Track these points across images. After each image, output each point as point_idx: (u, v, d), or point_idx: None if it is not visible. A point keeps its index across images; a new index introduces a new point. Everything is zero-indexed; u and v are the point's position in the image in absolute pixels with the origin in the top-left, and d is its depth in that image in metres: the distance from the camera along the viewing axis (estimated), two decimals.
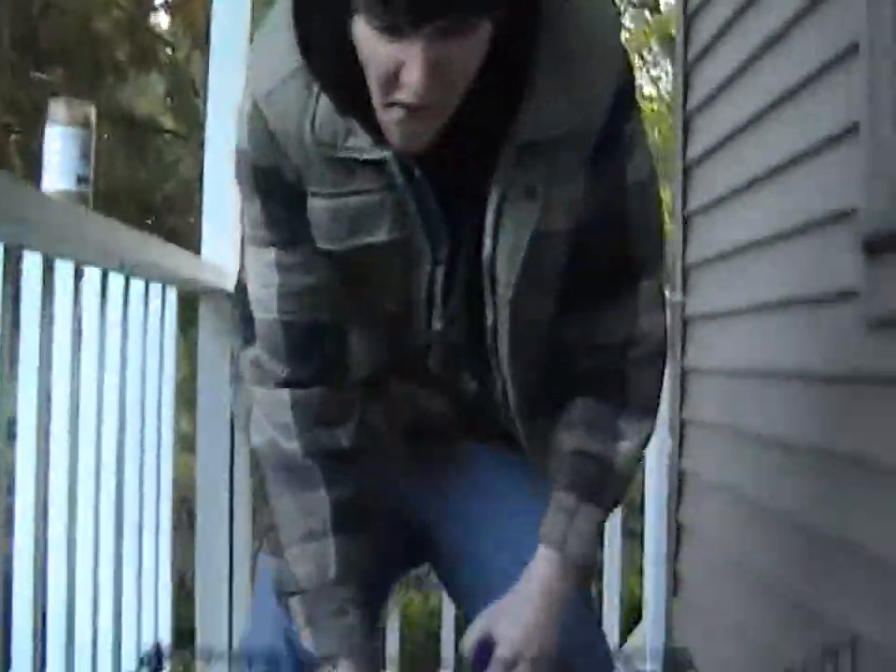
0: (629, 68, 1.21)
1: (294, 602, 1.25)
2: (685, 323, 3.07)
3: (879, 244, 1.67)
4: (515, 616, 1.22)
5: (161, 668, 1.43)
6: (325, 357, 1.24)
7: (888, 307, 1.66)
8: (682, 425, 3.05)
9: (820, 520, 1.91)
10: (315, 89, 1.13)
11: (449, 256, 1.20)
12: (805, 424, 2.03)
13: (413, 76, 1.02)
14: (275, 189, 1.18)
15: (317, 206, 1.18)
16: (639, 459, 1.31)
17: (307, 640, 1.24)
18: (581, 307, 1.25)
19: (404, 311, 1.24)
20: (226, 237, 2.18)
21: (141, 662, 1.41)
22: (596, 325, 1.26)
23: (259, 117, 1.16)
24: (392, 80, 1.04)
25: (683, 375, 3.04)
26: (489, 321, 1.23)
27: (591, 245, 1.22)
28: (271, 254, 1.21)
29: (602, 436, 1.25)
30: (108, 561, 1.75)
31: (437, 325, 1.24)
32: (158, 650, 1.48)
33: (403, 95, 1.04)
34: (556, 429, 1.28)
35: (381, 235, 1.17)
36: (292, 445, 1.24)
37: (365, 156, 1.14)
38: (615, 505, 1.30)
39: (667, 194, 2.92)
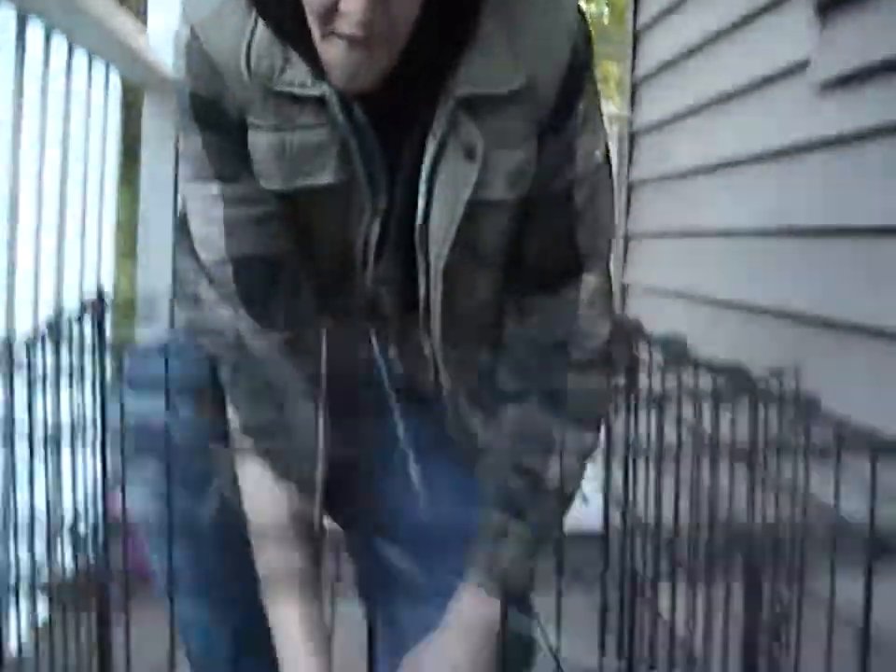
0: (586, 39, 1.11)
1: None
2: (632, 137, 3.07)
3: (831, 4, 1.67)
4: (440, 661, 1.13)
5: (105, 314, 1.38)
6: (278, 297, 1.15)
7: (838, 69, 1.66)
8: (627, 238, 3.08)
9: None
10: (253, 15, 1.06)
11: (385, 212, 1.13)
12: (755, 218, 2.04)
13: (353, 4, 0.96)
14: (217, 121, 1.10)
15: (260, 141, 1.10)
16: (578, 477, 1.19)
17: None
18: (517, 295, 1.17)
19: (341, 264, 1.17)
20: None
21: (83, 307, 1.34)
22: (533, 318, 1.17)
23: (196, 44, 1.08)
24: (332, 9, 0.97)
25: (630, 188, 3.06)
26: (421, 291, 1.15)
27: (533, 226, 1.14)
28: (214, 188, 1.12)
29: (534, 448, 1.15)
30: (52, 203, 1.76)
31: (368, 285, 1.16)
32: (100, 294, 1.41)
33: (344, 26, 0.97)
34: (485, 438, 1.20)
35: (324, 177, 1.10)
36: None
37: (304, 91, 1.07)
38: (549, 528, 1.19)
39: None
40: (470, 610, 1.13)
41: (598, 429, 1.20)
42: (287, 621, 1.13)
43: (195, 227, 1.16)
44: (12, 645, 1.44)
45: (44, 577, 1.19)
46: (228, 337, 1.14)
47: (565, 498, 1.18)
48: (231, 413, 1.17)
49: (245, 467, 1.15)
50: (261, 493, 1.15)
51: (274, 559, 1.13)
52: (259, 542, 1.14)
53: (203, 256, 1.16)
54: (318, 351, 1.15)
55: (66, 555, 1.21)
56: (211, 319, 1.16)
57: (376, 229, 1.13)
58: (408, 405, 1.24)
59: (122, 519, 1.17)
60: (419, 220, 1.11)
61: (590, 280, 1.17)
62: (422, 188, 1.10)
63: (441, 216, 1.10)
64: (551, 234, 1.15)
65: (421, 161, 1.09)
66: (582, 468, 1.19)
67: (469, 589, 1.14)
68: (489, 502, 1.16)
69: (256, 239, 1.13)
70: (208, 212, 1.14)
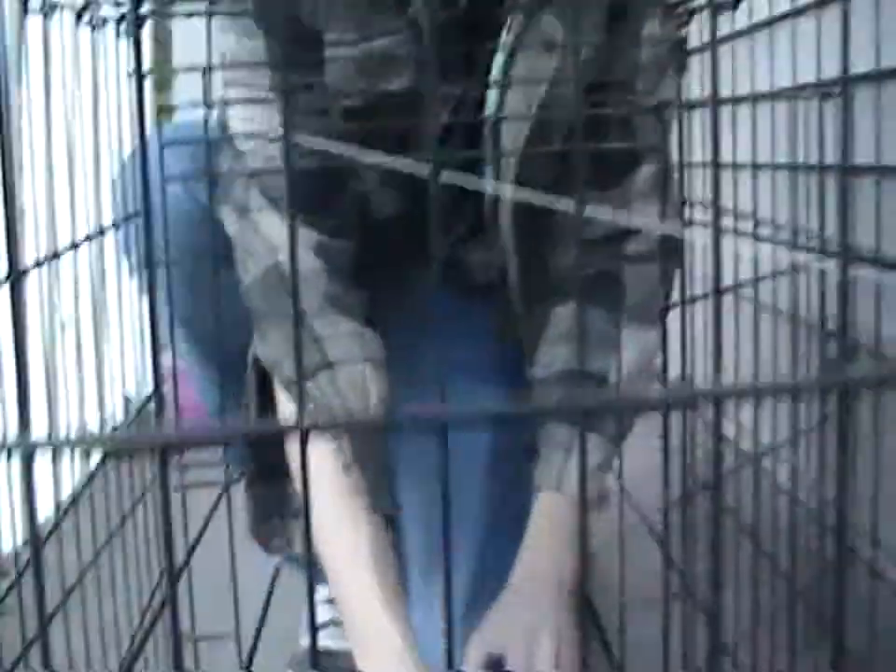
0: None
1: None
2: None
3: None
4: (519, 618, 1.03)
5: None
6: (336, 208, 1.09)
7: None
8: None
9: None
10: None
11: (456, 108, 1.09)
12: None
13: None
14: (288, 30, 1.05)
15: (338, 56, 1.04)
16: (647, 375, 1.12)
17: None
18: (575, 186, 1.13)
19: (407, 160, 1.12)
20: None
21: None
22: (588, 212, 1.09)
23: None
24: None
25: None
26: (490, 189, 1.11)
27: (595, 115, 1.09)
28: (270, 97, 1.05)
29: (595, 349, 1.10)
30: None
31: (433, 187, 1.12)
32: None
33: None
34: (542, 347, 1.14)
35: (400, 82, 1.06)
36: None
37: None
38: (621, 432, 1.11)
39: None
40: (549, 518, 1.09)
41: (659, 324, 1.13)
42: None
43: (242, 133, 1.09)
44: (64, 494, 1.49)
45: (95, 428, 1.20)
46: (274, 246, 1.06)
47: (634, 402, 1.12)
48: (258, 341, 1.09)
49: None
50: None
51: None
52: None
53: (253, 164, 1.09)
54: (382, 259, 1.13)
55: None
56: (260, 228, 1.09)
57: (447, 120, 1.10)
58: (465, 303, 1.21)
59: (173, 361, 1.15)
60: (491, 113, 1.08)
61: (649, 170, 1.13)
62: (496, 82, 1.07)
63: (517, 106, 1.08)
64: (612, 123, 1.12)
65: (496, 57, 1.07)
66: (648, 371, 1.13)
67: (544, 499, 1.09)
68: (552, 417, 1.09)
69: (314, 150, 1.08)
70: (260, 121, 1.08)
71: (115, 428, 1.62)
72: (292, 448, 1.05)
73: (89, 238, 1.07)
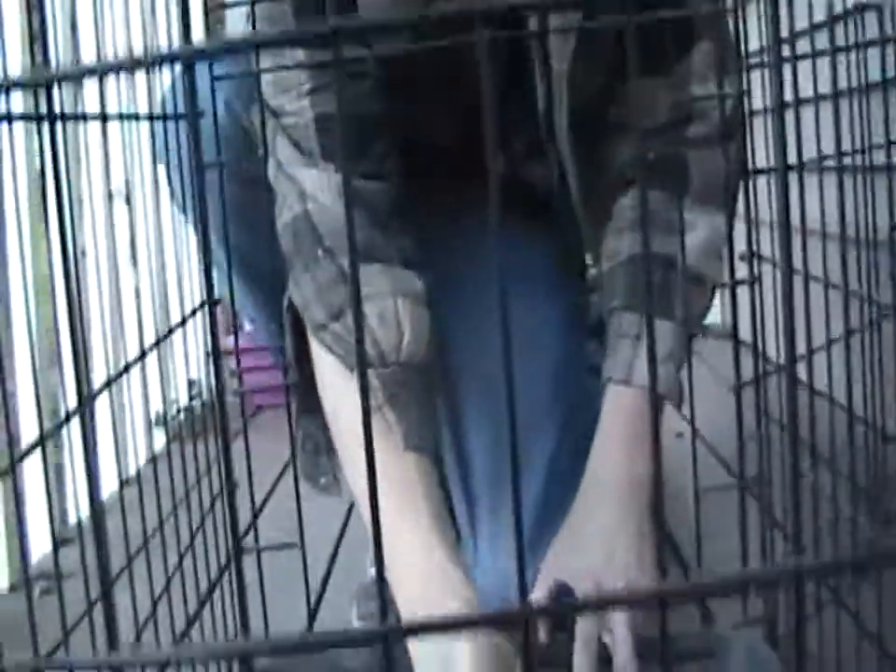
0: None
1: None
2: None
3: None
4: (588, 547, 0.97)
5: None
6: (380, 149, 1.04)
7: None
8: None
9: None
10: None
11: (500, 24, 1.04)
12: None
13: None
14: None
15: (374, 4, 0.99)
16: (716, 265, 1.06)
17: None
18: (624, 79, 1.07)
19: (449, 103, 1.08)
20: None
21: None
22: (644, 99, 1.06)
23: None
24: None
25: None
26: (541, 101, 1.08)
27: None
28: (299, 54, 1.01)
29: (661, 232, 1.03)
30: None
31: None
32: None
33: None
34: (606, 241, 1.09)
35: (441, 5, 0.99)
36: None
37: None
38: (697, 321, 1.06)
39: None
40: (619, 413, 1.03)
41: (726, 206, 1.07)
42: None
43: (270, 86, 1.05)
44: (131, 471, 1.49)
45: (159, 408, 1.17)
46: (304, 193, 1.02)
47: (703, 286, 1.06)
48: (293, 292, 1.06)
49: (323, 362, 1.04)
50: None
51: None
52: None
53: (284, 121, 1.04)
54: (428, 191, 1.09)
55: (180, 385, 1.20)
56: (293, 177, 1.05)
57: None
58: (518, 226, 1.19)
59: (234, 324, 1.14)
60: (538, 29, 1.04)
61: (704, 48, 1.07)
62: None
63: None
64: (663, 3, 1.04)
65: None
66: (718, 254, 1.07)
67: (613, 393, 1.04)
68: (619, 307, 1.06)
69: (346, 99, 1.00)
70: (288, 76, 1.03)
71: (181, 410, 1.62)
72: (325, 394, 1.03)
73: None
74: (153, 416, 1.75)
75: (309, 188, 1.01)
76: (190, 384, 1.55)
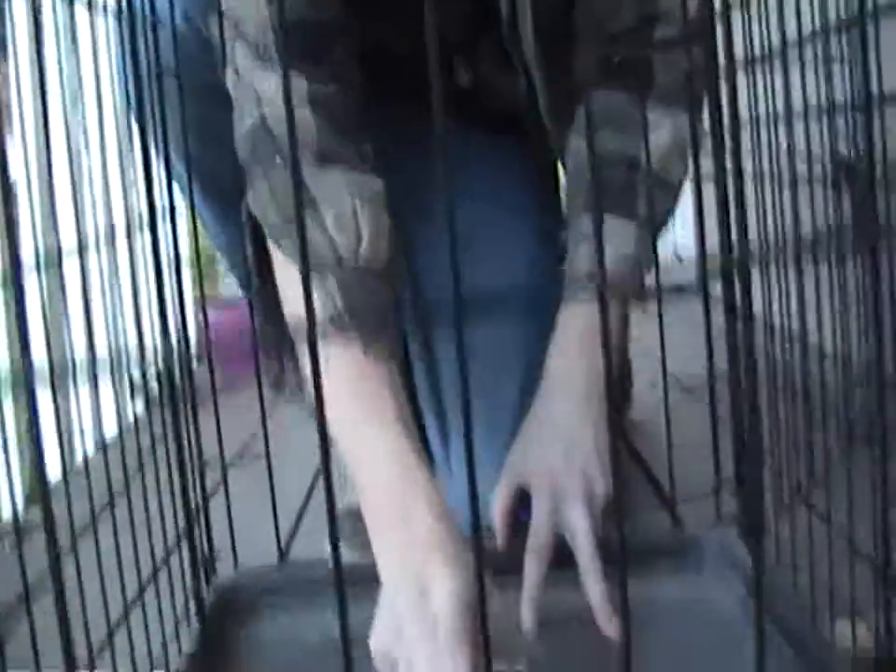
0: None
1: None
2: None
3: None
4: (548, 450, 0.96)
5: None
6: (339, 54, 1.02)
7: None
8: None
9: None
10: None
11: None
12: None
13: None
14: None
15: None
16: (679, 164, 1.05)
17: None
18: None
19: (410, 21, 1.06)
20: None
21: None
22: (609, 3, 1.06)
23: None
24: None
25: None
26: (505, 8, 1.07)
27: None
28: None
29: (622, 131, 1.02)
30: None
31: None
32: None
33: None
34: (570, 140, 1.09)
35: None
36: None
37: None
38: (661, 222, 1.04)
39: None
40: (576, 317, 1.01)
41: (690, 108, 1.05)
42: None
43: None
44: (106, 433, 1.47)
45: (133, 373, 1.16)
46: (261, 99, 1.00)
47: (668, 186, 1.05)
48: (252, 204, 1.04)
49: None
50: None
51: None
52: None
53: (242, 28, 1.01)
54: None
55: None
56: (250, 83, 1.02)
57: None
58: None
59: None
60: None
61: None
62: None
63: None
64: None
65: None
66: (682, 155, 1.06)
67: (571, 304, 1.03)
68: (582, 208, 1.04)
69: (304, 4, 1.01)
70: None
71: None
72: (286, 300, 1.00)
73: None
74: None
75: (267, 94, 0.99)
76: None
